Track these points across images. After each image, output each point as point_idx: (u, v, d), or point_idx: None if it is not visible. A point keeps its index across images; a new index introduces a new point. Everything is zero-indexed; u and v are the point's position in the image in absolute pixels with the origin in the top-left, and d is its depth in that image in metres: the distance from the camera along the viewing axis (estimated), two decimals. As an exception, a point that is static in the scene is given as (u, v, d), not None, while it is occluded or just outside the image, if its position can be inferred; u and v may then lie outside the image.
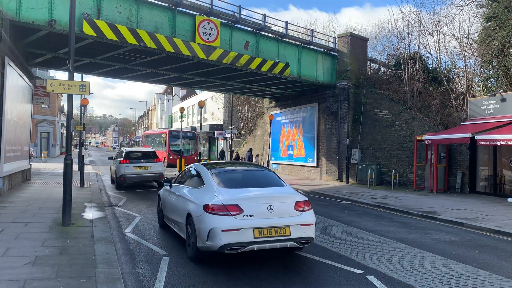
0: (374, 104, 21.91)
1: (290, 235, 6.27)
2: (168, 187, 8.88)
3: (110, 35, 14.28)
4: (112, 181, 18.96)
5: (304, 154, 25.95)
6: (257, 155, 22.70)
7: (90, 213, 10.10)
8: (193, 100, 55.24)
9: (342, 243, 8.09)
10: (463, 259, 7.08)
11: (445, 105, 20.70)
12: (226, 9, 17.96)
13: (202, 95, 49.67)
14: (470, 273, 6.25)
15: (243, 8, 18.51)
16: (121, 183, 16.80)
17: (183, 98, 67.29)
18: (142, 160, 17.52)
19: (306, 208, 6.65)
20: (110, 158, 20.70)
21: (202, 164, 7.99)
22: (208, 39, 16.88)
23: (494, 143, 14.36)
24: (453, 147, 17.76)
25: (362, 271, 6.21)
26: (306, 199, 6.83)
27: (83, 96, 18.23)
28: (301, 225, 6.42)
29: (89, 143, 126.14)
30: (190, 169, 8.33)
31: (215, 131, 41.85)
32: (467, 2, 21.37)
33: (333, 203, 14.50)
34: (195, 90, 54.95)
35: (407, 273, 6.18)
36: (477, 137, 14.62)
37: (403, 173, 19.68)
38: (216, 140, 44.25)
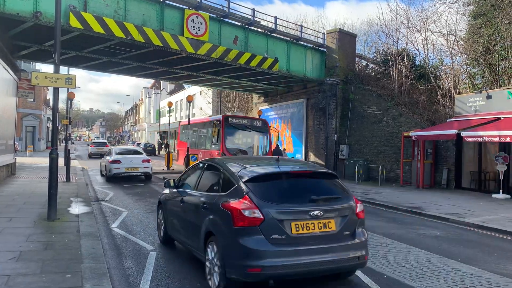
0: (362, 100, 22.02)
1: (139, 170, 17.76)
2: (103, 158, 20.23)
3: (97, 28, 14.07)
4: (88, 156, 38.56)
5: (293, 149, 26.01)
6: (284, 149, 23.36)
7: (76, 208, 9.98)
8: (182, 95, 54.88)
9: (329, 238, 8.12)
10: (449, 253, 7.17)
11: (432, 102, 20.90)
12: (215, 3, 17.88)
13: (191, 90, 49.35)
14: (456, 267, 6.33)
15: (231, 2, 18.41)
16: (90, 155, 38.30)
17: (171, 93, 66.81)
18: (99, 146, 39.33)
19: (147, 162, 18.01)
20: (88, 145, 46.50)
21: (114, 148, 19.06)
22: (196, 33, 16.75)
23: (480, 139, 14.55)
24: (440, 143, 17.96)
25: (350, 266, 6.24)
26: (148, 158, 18.64)
27: (69, 89, 18.09)
28: (144, 167, 17.87)
29: (76, 137, 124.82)
30: (109, 150, 19.25)
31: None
32: (455, -1, 21.57)
33: (321, 198, 14.54)
34: (184, 85, 54.62)
35: (393, 267, 6.23)
36: (463, 133, 14.78)
37: (390, 169, 19.85)
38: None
